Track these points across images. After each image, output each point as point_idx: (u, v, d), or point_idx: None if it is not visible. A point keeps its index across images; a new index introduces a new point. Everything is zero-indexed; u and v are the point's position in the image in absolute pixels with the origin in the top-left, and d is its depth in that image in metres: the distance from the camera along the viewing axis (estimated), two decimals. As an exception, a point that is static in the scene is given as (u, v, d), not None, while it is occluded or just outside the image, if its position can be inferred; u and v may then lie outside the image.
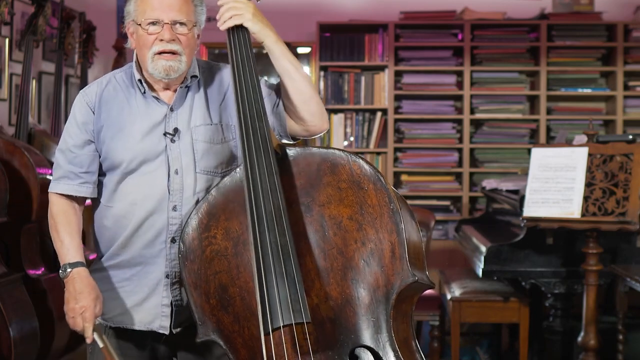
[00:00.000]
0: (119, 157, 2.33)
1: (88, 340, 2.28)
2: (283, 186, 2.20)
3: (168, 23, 2.28)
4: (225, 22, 2.32)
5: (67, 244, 2.35)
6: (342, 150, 2.24)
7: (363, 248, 2.15)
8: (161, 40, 2.28)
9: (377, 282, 2.13)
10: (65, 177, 2.39)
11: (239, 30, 2.34)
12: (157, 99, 2.36)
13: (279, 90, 2.40)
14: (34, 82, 5.24)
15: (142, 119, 2.35)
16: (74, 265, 2.32)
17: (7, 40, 4.95)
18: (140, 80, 2.36)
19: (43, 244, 4.32)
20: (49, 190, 2.43)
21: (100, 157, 2.38)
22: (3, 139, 4.04)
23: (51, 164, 4.25)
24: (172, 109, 2.36)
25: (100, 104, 2.37)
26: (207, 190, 2.33)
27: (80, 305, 2.27)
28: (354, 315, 2.13)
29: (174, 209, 2.33)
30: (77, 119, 2.38)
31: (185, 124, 2.36)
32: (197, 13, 2.34)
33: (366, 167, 2.19)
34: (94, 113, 2.37)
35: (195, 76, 2.39)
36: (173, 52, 2.29)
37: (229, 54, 2.34)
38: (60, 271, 2.33)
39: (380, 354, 2.10)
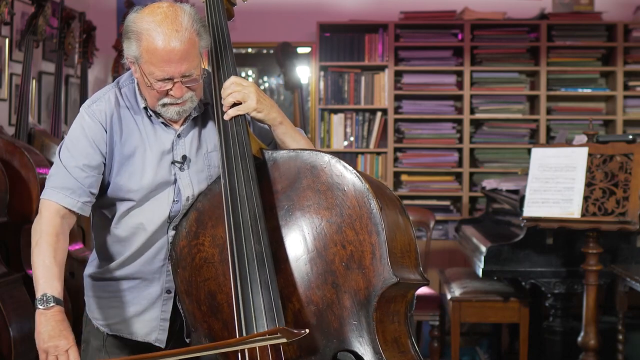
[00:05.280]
0: (129, 186, 2.27)
1: None
2: (263, 191, 2.19)
3: (179, 81, 2.16)
4: (229, 109, 2.23)
5: (54, 275, 2.14)
6: (323, 152, 2.22)
7: (343, 251, 2.13)
8: (172, 95, 2.19)
9: (358, 285, 2.11)
10: (69, 189, 2.22)
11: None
12: (164, 124, 2.29)
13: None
14: (34, 82, 5.24)
15: (151, 147, 2.28)
16: (58, 300, 2.11)
17: (7, 40, 4.95)
18: (146, 108, 2.27)
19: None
20: (43, 197, 2.23)
21: (107, 180, 2.28)
22: (3, 139, 4.04)
23: (51, 164, 4.25)
24: (179, 136, 2.30)
25: (113, 124, 2.27)
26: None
27: (66, 342, 2.08)
28: (335, 319, 2.12)
29: (174, 228, 2.31)
30: (90, 136, 2.24)
31: (194, 151, 2.31)
32: (202, 46, 2.19)
33: (345, 168, 2.17)
34: (106, 132, 2.26)
35: (208, 103, 2.33)
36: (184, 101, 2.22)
37: (210, 58, 2.31)
38: (38, 300, 2.10)
39: (363, 357, 2.09)
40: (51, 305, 2.10)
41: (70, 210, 2.23)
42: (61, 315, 2.11)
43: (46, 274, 2.14)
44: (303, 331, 1.95)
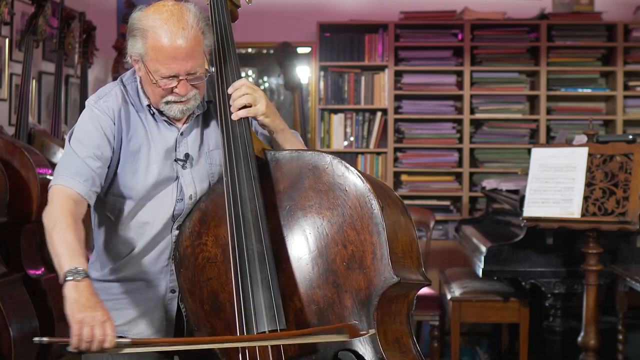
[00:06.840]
0: (133, 183, 2.27)
1: (110, 346, 1.98)
2: (265, 191, 2.20)
3: (184, 79, 2.18)
4: (238, 111, 2.25)
5: (78, 252, 2.06)
6: (325, 152, 2.24)
7: (344, 251, 2.14)
8: (176, 93, 2.20)
9: (359, 285, 2.12)
10: (82, 176, 2.18)
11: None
12: (167, 122, 2.30)
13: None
14: (34, 82, 5.24)
15: (155, 145, 2.28)
16: (88, 274, 2.03)
17: (7, 40, 4.95)
18: (149, 106, 2.28)
19: (43, 244, 4.32)
20: (55, 183, 2.18)
21: (110, 176, 2.28)
22: (3, 139, 4.04)
23: (51, 164, 4.26)
24: (182, 134, 2.31)
25: (120, 120, 2.27)
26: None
27: (102, 314, 1.97)
28: (336, 319, 2.13)
29: (178, 228, 2.32)
30: (100, 128, 2.23)
31: (196, 149, 2.32)
32: (206, 45, 2.22)
33: (347, 169, 2.18)
34: (115, 125, 2.26)
35: (210, 101, 2.34)
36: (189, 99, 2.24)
37: (214, 58, 2.32)
38: (67, 272, 2.01)
39: (364, 357, 2.10)
40: (83, 277, 2.00)
41: (82, 197, 2.18)
42: (93, 290, 2.01)
43: (70, 251, 2.05)
44: (371, 331, 2.02)
